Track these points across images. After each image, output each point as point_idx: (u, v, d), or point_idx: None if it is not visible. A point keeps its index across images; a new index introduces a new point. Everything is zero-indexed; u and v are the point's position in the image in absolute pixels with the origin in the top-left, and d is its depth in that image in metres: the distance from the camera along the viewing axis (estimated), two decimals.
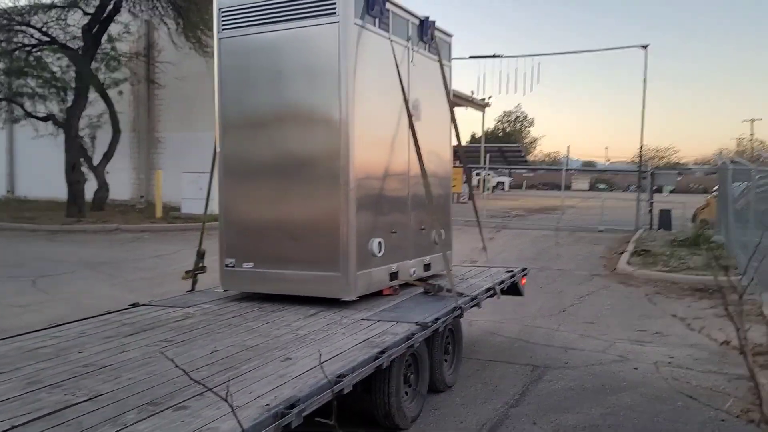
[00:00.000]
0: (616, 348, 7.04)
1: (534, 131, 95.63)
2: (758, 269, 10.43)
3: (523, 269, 7.24)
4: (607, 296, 10.05)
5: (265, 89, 5.30)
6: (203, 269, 5.97)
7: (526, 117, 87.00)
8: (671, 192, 32.53)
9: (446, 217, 6.71)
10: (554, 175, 69.16)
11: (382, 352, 3.76)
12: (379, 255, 5.28)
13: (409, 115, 5.26)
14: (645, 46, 19.70)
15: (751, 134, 62.11)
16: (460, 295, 5.38)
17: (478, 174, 41.45)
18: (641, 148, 20.02)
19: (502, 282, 6.36)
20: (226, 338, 4.13)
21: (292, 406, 2.87)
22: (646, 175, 19.45)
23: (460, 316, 5.10)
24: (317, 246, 5.10)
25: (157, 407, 2.84)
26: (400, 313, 4.77)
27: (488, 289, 5.93)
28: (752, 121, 79.09)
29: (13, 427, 2.64)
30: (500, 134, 78.94)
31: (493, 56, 22.09)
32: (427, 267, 6.26)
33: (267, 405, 2.85)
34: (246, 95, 5.40)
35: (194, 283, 5.95)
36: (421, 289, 5.66)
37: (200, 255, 5.95)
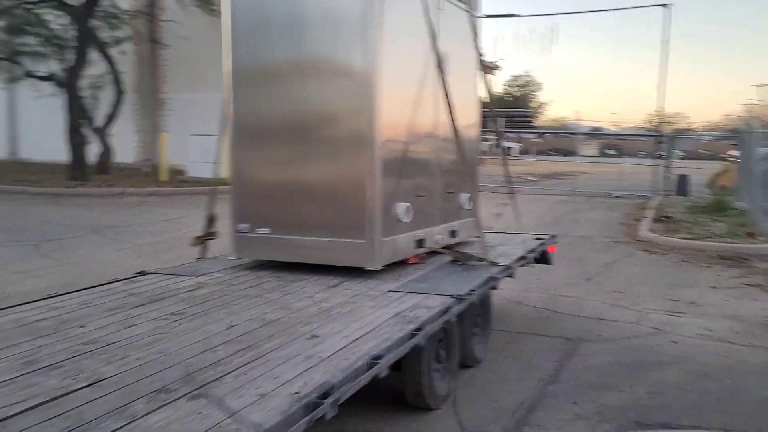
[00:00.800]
0: (650, 319, 6.65)
1: (542, 96, 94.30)
2: None
3: (553, 236, 6.81)
4: (633, 264, 9.65)
5: (282, 38, 4.81)
6: (214, 235, 5.57)
7: (534, 82, 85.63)
8: (682, 158, 31.91)
9: (475, 181, 6.26)
10: (563, 140, 68.27)
11: (419, 329, 3.36)
12: (406, 221, 4.86)
13: (440, 69, 4.77)
14: (665, 5, 18.89)
15: (760, 99, 60.77)
16: (493, 264, 4.97)
17: (487, 140, 40.79)
18: (661, 112, 19.35)
19: (533, 250, 5.95)
20: (243, 311, 3.74)
21: (326, 395, 2.48)
22: (665, 139, 18.83)
23: (494, 287, 4.70)
24: (340, 211, 4.67)
25: (170, 395, 2.46)
26: (431, 284, 4.37)
27: (520, 258, 5.52)
28: (760, 86, 77.58)
29: (4, 418, 2.27)
30: (509, 99, 77.81)
31: (510, 15, 21.27)
32: (453, 234, 5.84)
33: (296, 393, 2.46)
34: (260, 45, 4.91)
35: (204, 249, 5.55)
36: (449, 258, 5.25)
37: (210, 220, 5.54)
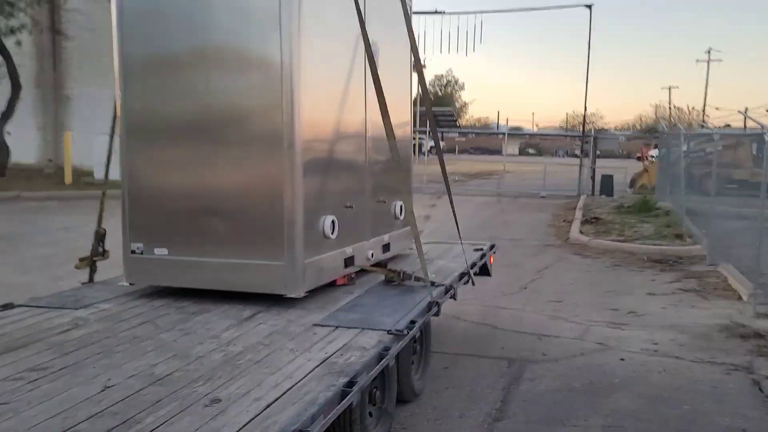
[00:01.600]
0: (593, 333, 6.26)
1: (464, 96, 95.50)
2: (711, 237, 9.98)
3: (492, 246, 6.30)
4: (566, 270, 9.34)
5: (182, 24, 4.02)
6: (104, 254, 4.69)
7: (457, 81, 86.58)
8: (597, 157, 32.68)
9: (408, 186, 5.65)
10: (485, 140, 69.34)
11: (352, 382, 2.69)
12: (333, 237, 4.18)
13: (370, 58, 4.10)
14: (589, 6, 19.05)
15: (669, 101, 63.86)
16: (433, 284, 4.36)
17: (415, 139, 40.56)
18: (581, 112, 19.51)
19: (474, 265, 5.39)
20: (127, 361, 2.95)
21: None
22: (589, 139, 19.00)
23: (437, 313, 4.09)
24: (253, 226, 3.93)
25: None
26: (363, 314, 3.70)
27: (462, 275, 4.94)
28: (670, 88, 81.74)
29: None
30: (432, 97, 78.31)
31: (435, 12, 20.94)
32: (386, 248, 5.20)
33: None
34: (156, 32, 4.10)
35: (92, 272, 4.66)
36: (382, 277, 4.61)
37: (99, 236, 4.66)
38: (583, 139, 19.78)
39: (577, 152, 20.50)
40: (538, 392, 4.77)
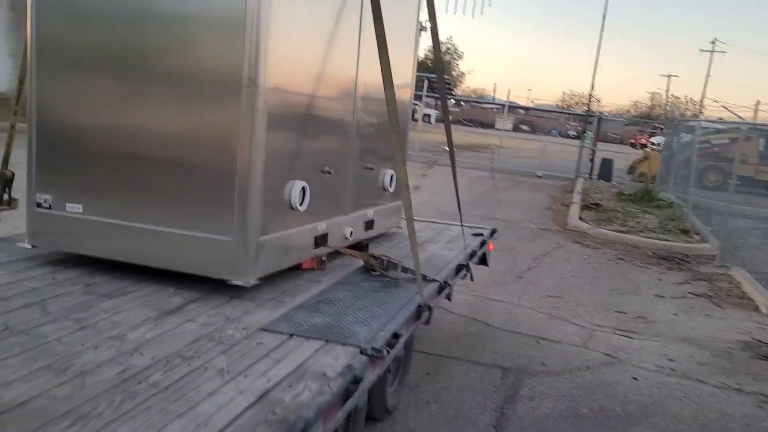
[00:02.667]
0: (599, 341, 5.41)
1: (462, 66, 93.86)
2: (721, 236, 9.18)
3: (493, 231, 5.37)
4: (566, 259, 8.48)
5: None
6: (10, 204, 3.69)
7: (456, 50, 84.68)
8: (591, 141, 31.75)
9: (403, 154, 4.66)
10: (479, 112, 68.14)
11: None
12: (301, 208, 3.21)
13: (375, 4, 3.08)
14: None
15: (667, 89, 62.90)
16: (425, 279, 3.42)
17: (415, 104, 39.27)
18: (591, 91, 18.52)
19: (473, 254, 4.46)
20: None
21: None
22: (593, 119, 18.02)
23: (428, 321, 3.16)
24: (195, 188, 2.95)
25: None
26: (329, 318, 2.76)
27: (460, 268, 4.01)
28: (669, 76, 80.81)
29: None
30: (429, 64, 76.56)
31: None
32: (370, 225, 4.25)
33: None
34: None
35: None
36: (361, 262, 3.66)
37: (5, 180, 3.65)
38: (586, 119, 18.78)
39: (572, 133, 19.53)
40: (539, 417, 3.90)
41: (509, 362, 4.72)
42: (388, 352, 2.46)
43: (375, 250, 4.14)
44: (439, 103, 53.85)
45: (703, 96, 56.15)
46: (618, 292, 7.09)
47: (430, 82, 43.76)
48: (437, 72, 3.80)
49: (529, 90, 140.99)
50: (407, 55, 4.57)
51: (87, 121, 3.10)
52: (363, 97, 3.86)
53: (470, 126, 52.20)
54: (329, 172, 3.52)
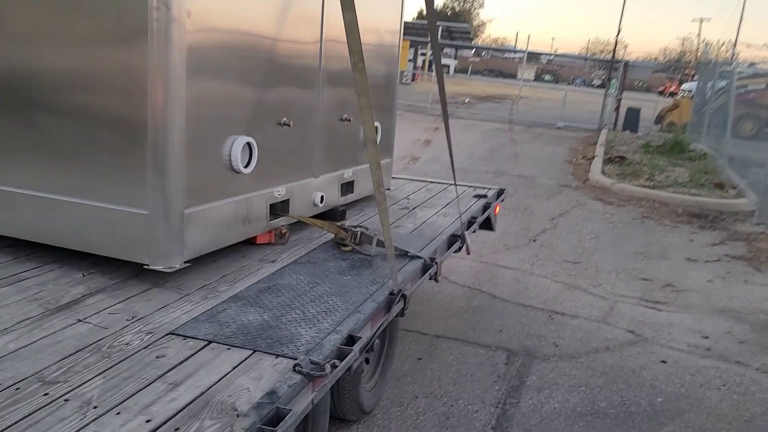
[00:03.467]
0: (622, 314, 4.75)
1: (483, 14, 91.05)
2: (761, 189, 8.35)
3: (500, 192, 4.66)
4: (586, 219, 7.74)
5: None
6: None
7: None
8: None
9: (390, 104, 3.97)
10: (500, 61, 66.27)
11: None
12: (246, 170, 2.56)
13: None
14: None
15: (699, 34, 60.03)
16: (407, 255, 2.77)
17: (423, 54, 37.99)
18: (617, 36, 17.31)
19: (473, 222, 3.78)
20: None
21: None
22: (619, 66, 16.91)
23: (402, 313, 2.52)
24: (101, 146, 2.30)
25: None
26: (269, 313, 2.14)
27: (453, 240, 3.33)
28: (701, 20, 77.35)
29: None
30: (449, 13, 74.36)
31: None
32: (348, 188, 3.59)
33: None
34: None
35: None
36: (330, 236, 3.01)
37: None
38: (611, 66, 17.64)
39: (596, 81, 18.45)
40: (548, 414, 3.29)
41: (516, 343, 4.09)
42: (335, 366, 1.83)
43: (355, 218, 3.50)
44: (458, 52, 52.08)
45: (737, 40, 53.60)
46: (644, 255, 6.38)
47: (449, 31, 42.33)
48: (429, 16, 3.07)
49: (553, 38, 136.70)
50: None
51: None
52: (334, 35, 3.14)
53: (490, 76, 50.69)
54: (287, 125, 2.85)
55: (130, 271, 2.38)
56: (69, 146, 2.34)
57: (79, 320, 2.01)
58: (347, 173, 3.54)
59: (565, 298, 5.01)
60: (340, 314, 2.17)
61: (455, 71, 48.07)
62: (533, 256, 6.04)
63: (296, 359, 1.80)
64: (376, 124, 3.72)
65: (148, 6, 2.11)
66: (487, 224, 4.48)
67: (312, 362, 1.79)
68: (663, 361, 4.02)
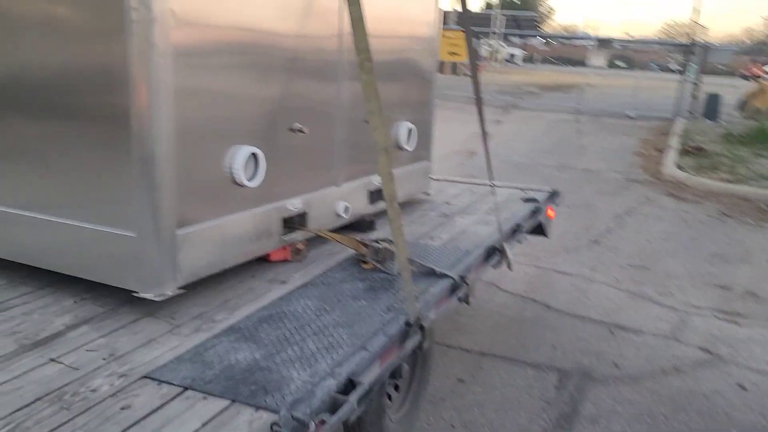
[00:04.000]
0: (694, 329, 4.26)
1: (551, 0, 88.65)
2: None
3: (552, 194, 4.25)
4: (656, 217, 7.15)
5: None
6: None
7: None
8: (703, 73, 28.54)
9: (427, 101, 3.64)
10: (570, 49, 64.13)
11: None
12: (251, 183, 2.31)
13: None
14: None
15: None
16: (437, 275, 2.46)
17: (489, 45, 37.12)
18: (694, 16, 16.18)
19: (517, 230, 3.40)
20: None
21: None
22: (695, 49, 15.81)
23: (420, 345, 2.20)
24: (86, 160, 2.10)
25: None
26: (262, 351, 1.88)
27: (490, 251, 2.98)
28: None
29: None
30: (517, 1, 72.70)
31: None
32: (379, 195, 3.30)
33: None
34: None
35: None
36: (351, 251, 2.73)
37: None
38: (689, 50, 16.52)
39: (673, 66, 17.37)
40: None
41: (570, 362, 3.70)
42: (322, 423, 1.54)
43: (386, 229, 3.20)
44: (524, 41, 50.83)
45: None
46: (722, 259, 5.79)
47: (516, 20, 41.28)
48: (463, 8, 2.74)
49: (623, 23, 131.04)
50: None
51: None
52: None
53: (558, 65, 49.12)
54: (301, 131, 2.58)
55: (124, 297, 2.18)
56: (51, 159, 2.15)
57: (52, 359, 1.81)
58: (376, 179, 3.24)
59: (628, 309, 4.55)
60: (343, 351, 1.89)
61: (522, 61, 46.80)
62: (594, 259, 5.58)
63: (278, 414, 1.53)
64: (410, 125, 3.42)
65: (124, 6, 1.89)
66: (540, 230, 4.10)
67: (294, 418, 1.51)
68: (741, 386, 3.54)
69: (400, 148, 3.40)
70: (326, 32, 2.68)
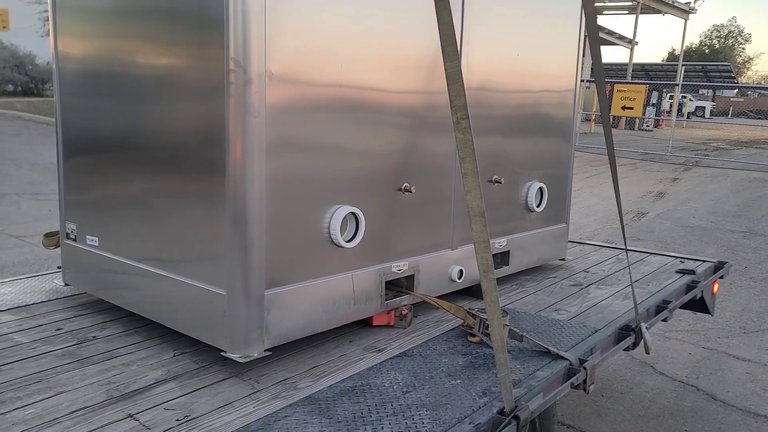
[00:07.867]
0: None
1: (749, 49, 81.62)
2: None
3: (720, 265, 3.67)
4: None
5: None
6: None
7: (741, 32, 73.90)
8: None
9: (562, 158, 3.36)
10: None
11: None
12: (349, 244, 2.23)
13: None
14: None
15: None
16: (552, 355, 2.17)
17: (671, 97, 34.79)
18: None
19: (663, 307, 2.95)
20: None
21: None
22: None
23: None
24: (187, 219, 2.16)
25: None
26: (332, 428, 1.74)
27: (623, 333, 2.59)
28: None
29: None
30: (706, 51, 67.93)
31: None
32: (502, 259, 3.06)
33: None
34: None
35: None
36: (458, 321, 2.51)
37: None
38: None
39: None
40: None
41: None
42: None
43: (507, 296, 2.95)
44: (715, 93, 47.11)
45: None
46: None
47: (705, 71, 38.35)
48: (593, 53, 2.50)
49: None
50: (567, 31, 3.27)
51: (99, 131, 2.51)
52: (478, 79, 2.73)
53: (756, 118, 44.61)
54: (408, 191, 2.46)
55: (219, 355, 2.17)
56: (159, 214, 2.25)
57: (130, 415, 1.82)
58: (500, 242, 3.01)
59: None
60: None
61: (711, 114, 43.18)
62: None
63: None
64: (540, 185, 3.17)
65: (224, 69, 1.93)
66: (702, 307, 3.55)
67: None
68: None
69: (529, 209, 3.15)
70: (439, 88, 2.57)
